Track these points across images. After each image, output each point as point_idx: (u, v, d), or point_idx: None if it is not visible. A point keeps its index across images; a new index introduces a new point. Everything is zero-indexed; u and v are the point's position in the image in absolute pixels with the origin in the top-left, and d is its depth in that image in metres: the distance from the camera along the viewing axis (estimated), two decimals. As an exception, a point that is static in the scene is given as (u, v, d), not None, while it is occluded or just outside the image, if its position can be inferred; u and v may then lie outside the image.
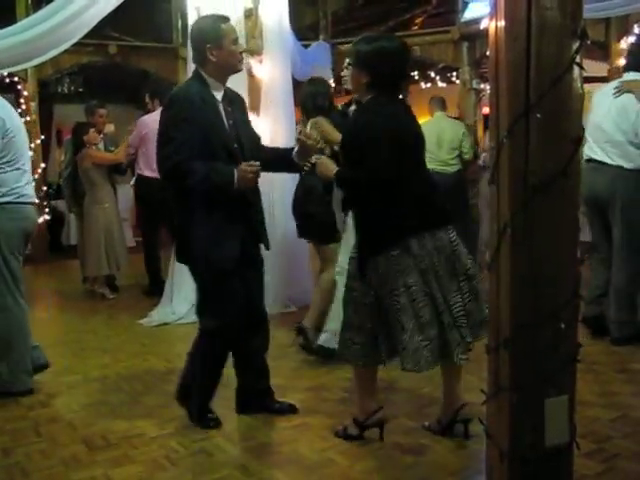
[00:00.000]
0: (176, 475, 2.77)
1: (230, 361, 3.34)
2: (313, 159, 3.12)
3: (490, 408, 2.00)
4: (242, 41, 5.31)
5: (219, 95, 3.13)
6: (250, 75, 5.44)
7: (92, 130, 6.41)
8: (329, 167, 2.93)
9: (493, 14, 1.89)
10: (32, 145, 8.82)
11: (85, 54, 8.75)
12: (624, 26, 7.42)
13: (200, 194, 3.02)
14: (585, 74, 1.88)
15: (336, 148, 3.24)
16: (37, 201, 3.92)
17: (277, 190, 5.29)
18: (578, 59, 1.83)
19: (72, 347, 4.79)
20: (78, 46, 6.79)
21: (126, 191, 9.16)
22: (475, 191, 7.69)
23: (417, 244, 2.76)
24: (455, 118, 8.06)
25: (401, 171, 2.75)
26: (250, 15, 5.44)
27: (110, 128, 6.70)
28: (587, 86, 2.12)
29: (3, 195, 3.70)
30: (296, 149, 3.18)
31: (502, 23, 1.84)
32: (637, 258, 4.30)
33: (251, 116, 5.20)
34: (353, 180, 2.87)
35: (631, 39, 7.05)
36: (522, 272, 1.86)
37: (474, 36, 8.53)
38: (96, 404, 3.59)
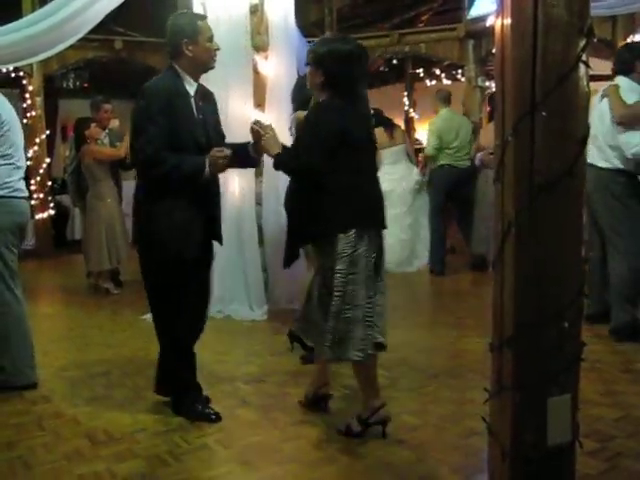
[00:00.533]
0: (179, 470, 2.77)
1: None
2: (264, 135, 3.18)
3: (493, 406, 2.00)
4: (247, 37, 5.35)
5: (192, 90, 3.22)
6: (255, 71, 5.43)
7: (93, 125, 6.42)
8: (273, 146, 3.08)
9: (499, 11, 1.88)
10: (37, 140, 8.87)
11: (91, 49, 8.76)
12: (631, 24, 7.40)
13: (168, 185, 3.09)
14: (591, 72, 1.87)
15: None
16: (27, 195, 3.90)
17: (283, 187, 5.28)
18: (584, 57, 1.82)
19: (76, 342, 4.80)
20: (84, 41, 6.81)
21: (131, 186, 9.15)
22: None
23: (344, 239, 2.89)
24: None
25: (337, 169, 2.89)
26: (256, 11, 5.43)
27: (115, 123, 6.71)
28: (593, 84, 2.11)
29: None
30: (251, 142, 3.25)
31: (508, 20, 1.84)
32: (623, 256, 4.38)
33: (256, 112, 5.24)
34: (287, 167, 3.07)
35: (638, 37, 7.03)
36: (526, 271, 1.85)
37: (480, 33, 8.51)
38: (100, 399, 3.59)
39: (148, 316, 5.33)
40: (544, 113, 1.79)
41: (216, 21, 5.33)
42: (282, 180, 5.11)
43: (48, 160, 9.33)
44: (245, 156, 3.30)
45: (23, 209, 3.86)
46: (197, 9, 5.45)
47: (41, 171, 8.99)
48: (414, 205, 7.56)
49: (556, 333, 1.87)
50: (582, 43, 1.81)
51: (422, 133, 9.92)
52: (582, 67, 1.82)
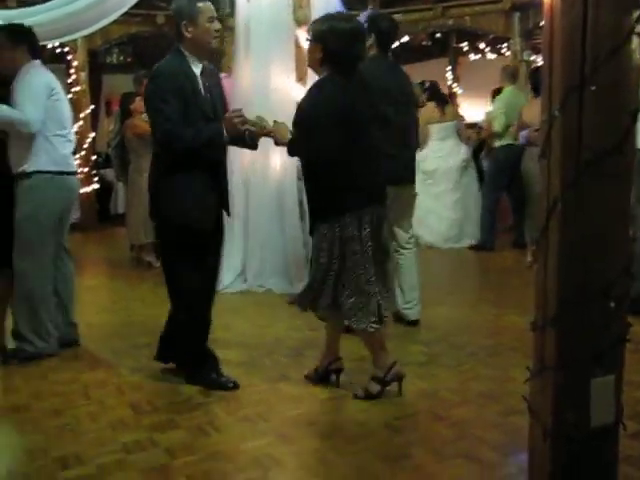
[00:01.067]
0: (219, 441, 2.82)
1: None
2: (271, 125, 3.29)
3: (534, 386, 1.97)
4: (289, 11, 5.32)
5: (197, 70, 3.31)
6: (297, 46, 5.40)
7: (138, 99, 6.47)
8: (284, 134, 3.18)
9: (548, -18, 1.83)
10: (82, 115, 8.99)
11: (133, 24, 8.82)
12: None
13: (188, 159, 3.21)
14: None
15: None
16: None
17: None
18: (638, 28, 1.76)
19: (120, 314, 4.89)
20: (126, 16, 6.85)
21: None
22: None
23: (356, 218, 3.02)
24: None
25: (343, 150, 2.99)
26: (297, -15, 5.38)
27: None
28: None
29: (54, 163, 3.77)
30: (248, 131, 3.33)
31: (558, -9, 1.78)
32: None
33: (298, 86, 5.21)
34: (299, 152, 3.20)
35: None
36: (571, 248, 1.82)
37: (527, 5, 8.31)
38: (143, 370, 3.66)
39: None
40: (593, 87, 1.74)
41: (258, -5, 5.33)
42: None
43: (92, 135, 9.46)
44: (242, 140, 3.39)
45: (73, 185, 3.97)
46: (239, -16, 5.43)
47: (85, 145, 9.12)
48: (460, 183, 7.48)
49: (601, 312, 1.83)
50: (636, 14, 1.75)
51: (466, 108, 9.75)
52: (635, 39, 1.76)
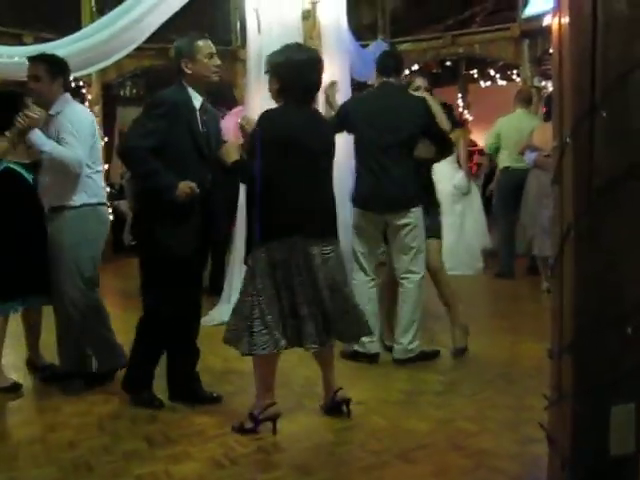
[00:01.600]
0: (234, 473, 2.79)
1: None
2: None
3: (552, 414, 1.95)
4: (300, 41, 5.36)
5: (197, 104, 3.44)
6: (308, 76, 5.45)
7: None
8: (231, 154, 3.25)
9: (557, 10, 1.84)
10: (96, 147, 9.09)
11: (147, 58, 8.93)
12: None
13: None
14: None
15: None
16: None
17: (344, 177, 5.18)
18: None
19: (134, 345, 4.88)
20: (140, 50, 6.95)
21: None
22: None
23: (284, 246, 3.03)
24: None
25: (283, 177, 3.03)
26: (308, 16, 5.45)
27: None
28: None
29: (95, 195, 3.89)
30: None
31: (566, 19, 1.79)
32: None
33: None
34: (239, 174, 3.29)
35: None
36: (586, 275, 1.80)
37: (535, 33, 8.36)
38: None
39: (204, 319, 5.40)
40: (604, 113, 1.74)
41: (269, 27, 5.39)
42: (342, 171, 5.10)
43: (106, 166, 9.55)
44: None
45: (107, 215, 4.16)
46: (250, 15, 5.51)
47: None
48: (453, 209, 7.38)
49: (618, 339, 1.81)
50: (645, 39, 1.75)
51: (477, 135, 9.78)
52: (644, 65, 1.76)
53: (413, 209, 4.13)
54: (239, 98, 6.62)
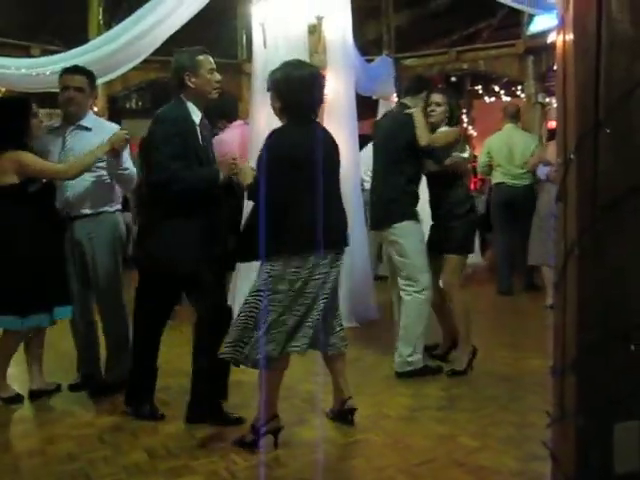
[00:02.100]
0: (235, 487, 2.78)
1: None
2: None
3: (555, 432, 1.94)
4: (305, 56, 5.41)
5: (197, 119, 3.44)
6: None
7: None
8: (247, 177, 3.23)
9: (561, 28, 1.85)
10: (101, 159, 9.13)
11: (152, 70, 8.98)
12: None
13: (184, 202, 3.30)
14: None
15: None
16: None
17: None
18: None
19: (136, 357, 4.87)
20: (146, 63, 6.99)
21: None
22: None
23: (299, 259, 3.04)
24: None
25: (293, 196, 3.03)
26: (314, 31, 5.49)
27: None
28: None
29: (119, 203, 4.12)
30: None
31: (570, 37, 1.80)
32: None
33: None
34: (251, 195, 3.21)
35: None
36: (589, 292, 1.80)
37: (540, 49, 8.40)
38: (158, 414, 3.64)
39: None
40: (608, 131, 1.75)
41: (275, 42, 5.43)
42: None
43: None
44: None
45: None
46: (256, 29, 5.55)
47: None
48: None
49: (622, 356, 1.80)
50: (649, 57, 1.76)
51: (481, 150, 9.80)
52: (649, 82, 1.77)
53: (396, 225, 4.23)
54: (244, 111, 6.64)
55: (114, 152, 3.73)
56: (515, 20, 9.39)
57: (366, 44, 9.70)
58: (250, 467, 2.95)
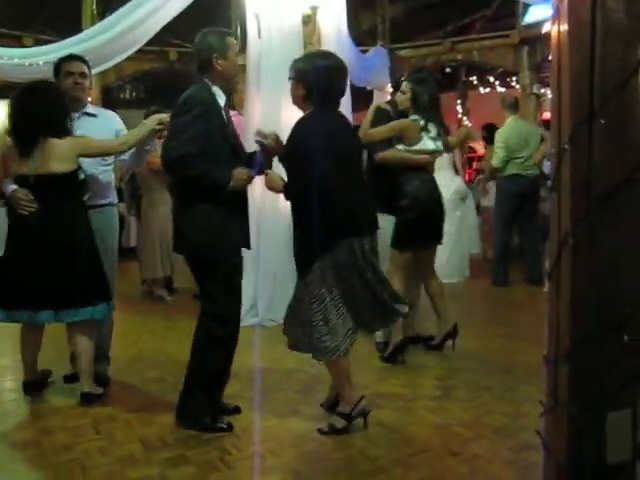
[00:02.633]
0: (230, 477, 2.79)
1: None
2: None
3: (548, 421, 1.95)
4: (300, 48, 5.39)
5: (222, 101, 3.36)
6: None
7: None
8: (277, 181, 3.22)
9: (556, 17, 1.84)
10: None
11: (146, 61, 8.96)
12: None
13: (203, 191, 3.20)
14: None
15: None
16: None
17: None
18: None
19: (131, 348, 4.88)
20: (140, 53, 6.97)
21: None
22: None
23: (345, 246, 3.07)
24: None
25: (333, 181, 3.04)
26: (308, 22, 5.47)
27: (170, 133, 6.81)
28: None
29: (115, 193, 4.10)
30: (258, 150, 3.36)
31: (565, 27, 1.79)
32: None
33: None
34: (295, 191, 3.16)
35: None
36: (583, 283, 1.80)
37: (534, 40, 8.39)
38: (153, 405, 3.65)
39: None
40: (602, 121, 1.75)
41: (269, 32, 5.41)
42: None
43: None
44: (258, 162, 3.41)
45: None
46: (250, 20, 5.52)
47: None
48: (454, 216, 7.36)
49: (615, 347, 1.81)
50: (643, 48, 1.76)
51: (477, 141, 9.81)
52: (643, 72, 1.77)
53: None
54: (238, 102, 6.62)
55: (161, 129, 3.76)
56: (510, 10, 9.38)
57: (361, 35, 9.67)
58: (244, 457, 2.96)
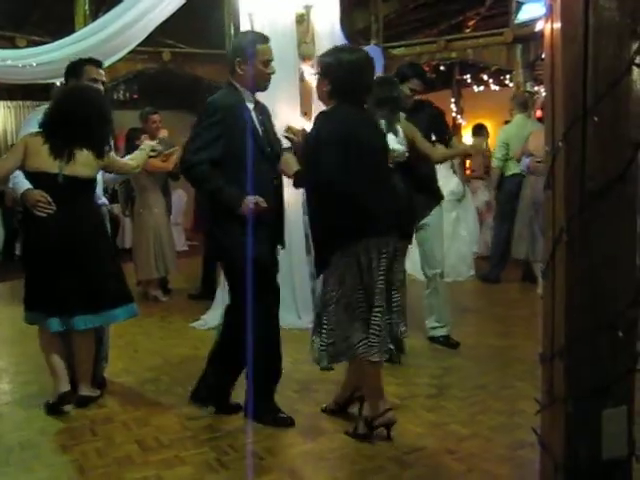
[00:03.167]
0: (227, 477, 2.79)
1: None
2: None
3: (544, 418, 1.95)
4: (294, 46, 5.38)
5: (251, 104, 3.33)
6: (302, 80, 5.46)
7: (144, 136, 6.51)
8: (290, 165, 3.19)
9: (549, 15, 1.85)
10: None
11: (140, 61, 8.93)
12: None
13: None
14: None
15: None
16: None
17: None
18: (638, 60, 1.77)
19: (126, 349, 4.88)
20: (133, 54, 6.95)
21: (180, 196, 9.26)
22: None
23: (362, 248, 2.94)
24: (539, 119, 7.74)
25: (348, 175, 2.93)
26: (302, 21, 5.46)
27: (164, 133, 6.80)
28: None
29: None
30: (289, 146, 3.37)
31: (558, 25, 1.80)
32: None
33: (302, 120, 5.26)
34: (305, 184, 3.12)
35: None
36: (578, 279, 1.81)
37: (528, 38, 8.40)
38: (149, 405, 3.65)
39: (197, 323, 5.44)
40: (596, 118, 1.75)
41: (262, 31, 5.38)
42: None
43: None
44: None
45: None
46: (244, 20, 5.51)
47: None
48: (449, 216, 7.33)
49: (610, 343, 1.82)
50: (635, 46, 1.76)
51: (469, 139, 9.80)
52: (636, 70, 1.77)
53: None
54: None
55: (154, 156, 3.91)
56: (503, 9, 9.39)
57: (354, 33, 9.67)
58: (241, 457, 2.96)
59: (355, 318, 2.98)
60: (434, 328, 4.70)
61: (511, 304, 6.30)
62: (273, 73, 3.34)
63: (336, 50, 3.18)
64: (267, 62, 3.30)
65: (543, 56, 1.94)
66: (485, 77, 11.64)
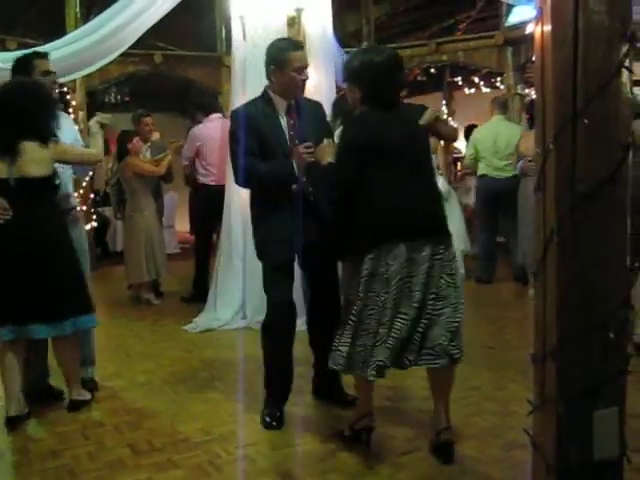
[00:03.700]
0: (219, 481, 2.78)
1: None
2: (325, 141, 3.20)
3: (536, 419, 1.96)
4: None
5: (282, 109, 3.34)
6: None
7: (136, 139, 6.50)
8: (325, 155, 3.06)
9: (539, 18, 1.86)
10: (80, 153, 9.03)
11: (131, 64, 8.90)
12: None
13: (260, 193, 3.34)
14: (635, 78, 1.84)
15: None
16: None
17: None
18: (627, 63, 1.78)
19: (118, 352, 4.86)
20: (125, 56, 6.92)
21: (171, 198, 9.22)
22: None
23: (387, 252, 2.79)
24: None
25: (365, 177, 2.85)
26: (293, 23, 5.46)
27: (156, 136, 6.80)
28: (637, 90, 2.07)
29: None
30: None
31: (548, 27, 1.81)
32: None
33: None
34: (329, 180, 3.09)
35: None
36: (569, 281, 1.82)
37: (519, 41, 8.42)
38: (141, 409, 3.63)
39: (189, 326, 5.42)
40: (586, 120, 1.76)
41: (254, 34, 5.40)
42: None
43: (90, 173, 9.49)
44: None
45: None
46: (235, 22, 5.52)
47: (84, 184, 9.15)
48: None
49: (601, 344, 1.83)
50: (624, 49, 1.78)
51: (461, 142, 9.83)
52: (625, 73, 1.79)
53: None
54: (225, 105, 6.61)
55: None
56: (494, 11, 9.42)
57: (346, 36, 9.68)
58: (234, 460, 2.95)
59: (371, 328, 2.83)
60: None
61: (504, 305, 6.32)
62: (306, 79, 3.34)
63: (362, 52, 3.04)
64: (300, 70, 3.28)
65: (533, 59, 1.95)
66: (476, 79, 11.66)
